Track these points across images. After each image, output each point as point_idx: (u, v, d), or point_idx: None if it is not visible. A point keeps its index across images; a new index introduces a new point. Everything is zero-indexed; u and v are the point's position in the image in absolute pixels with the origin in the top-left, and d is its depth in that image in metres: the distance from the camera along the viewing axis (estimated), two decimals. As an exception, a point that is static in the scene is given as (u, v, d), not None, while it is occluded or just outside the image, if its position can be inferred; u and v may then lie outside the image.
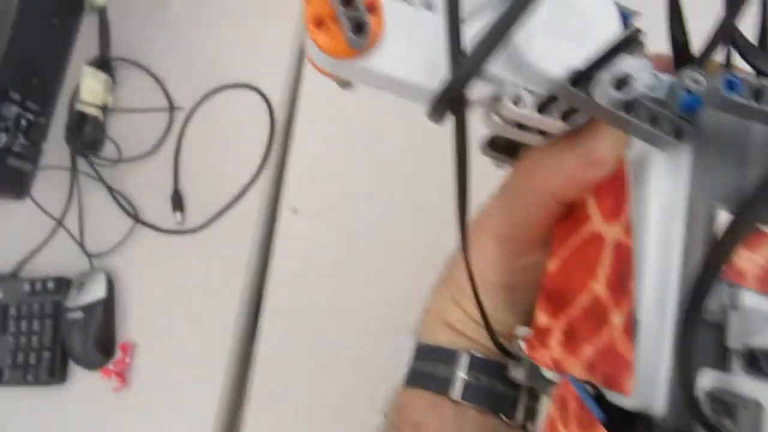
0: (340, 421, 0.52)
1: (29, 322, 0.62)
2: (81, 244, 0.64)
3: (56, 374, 0.61)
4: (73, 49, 0.71)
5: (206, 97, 0.64)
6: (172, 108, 0.65)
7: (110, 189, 0.64)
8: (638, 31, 0.16)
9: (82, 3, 0.71)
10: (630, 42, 0.16)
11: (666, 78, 0.19)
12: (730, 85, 0.16)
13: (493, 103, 0.20)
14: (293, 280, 0.57)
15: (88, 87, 0.65)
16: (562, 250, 0.22)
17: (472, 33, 0.18)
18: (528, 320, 0.23)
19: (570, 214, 0.22)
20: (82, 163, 0.66)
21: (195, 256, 0.60)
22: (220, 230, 0.60)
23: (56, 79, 0.70)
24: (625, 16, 0.20)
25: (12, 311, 0.63)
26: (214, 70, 0.64)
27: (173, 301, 0.60)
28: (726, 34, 0.19)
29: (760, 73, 0.19)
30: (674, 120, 0.18)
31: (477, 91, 0.19)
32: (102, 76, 0.66)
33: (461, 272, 0.22)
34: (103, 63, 0.67)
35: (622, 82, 0.17)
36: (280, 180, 0.61)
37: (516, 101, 0.19)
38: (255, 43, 0.64)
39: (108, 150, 0.66)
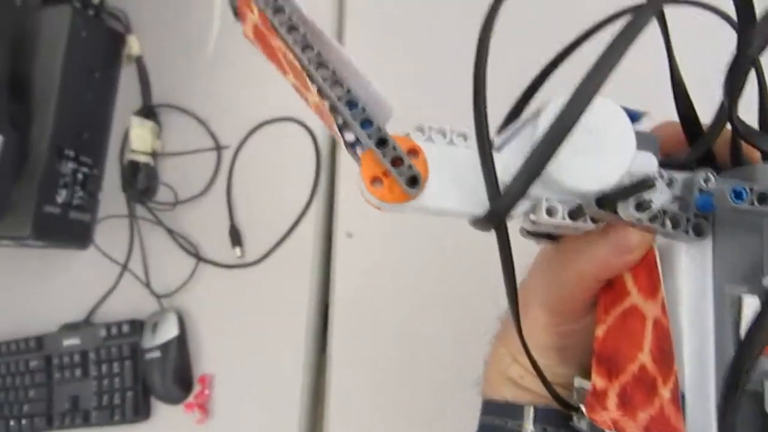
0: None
1: (109, 365, 0.65)
2: (148, 286, 0.67)
3: (141, 412, 0.64)
4: (116, 99, 0.74)
5: (251, 133, 0.67)
6: (218, 147, 0.68)
7: (170, 231, 0.67)
8: (656, 178, 0.18)
9: (119, 55, 0.74)
10: (647, 186, 0.18)
11: (680, 176, 0.22)
12: (737, 194, 0.19)
13: (530, 213, 0.23)
14: (356, 301, 0.60)
15: (137, 136, 0.69)
16: (607, 318, 0.24)
17: (505, 159, 0.22)
18: (584, 371, 0.25)
19: (612, 284, 0.25)
20: (139, 209, 0.69)
21: (258, 287, 0.64)
22: (280, 260, 0.64)
23: (104, 131, 0.74)
24: (634, 116, 0.22)
25: (92, 356, 0.66)
26: (254, 106, 0.67)
27: (243, 331, 0.63)
28: (725, 118, 0.21)
29: (763, 153, 0.21)
30: (693, 220, 0.21)
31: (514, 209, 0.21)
32: (148, 123, 0.69)
33: (516, 333, 0.25)
34: (148, 111, 0.71)
35: (642, 205, 0.19)
36: (331, 206, 0.64)
37: (549, 212, 0.22)
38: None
39: (162, 193, 0.69)
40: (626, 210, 0.19)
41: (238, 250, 0.65)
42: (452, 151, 0.22)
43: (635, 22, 0.17)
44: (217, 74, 0.71)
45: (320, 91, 0.21)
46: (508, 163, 0.22)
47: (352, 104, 0.21)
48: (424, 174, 0.21)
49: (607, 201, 0.20)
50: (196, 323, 0.65)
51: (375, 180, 0.21)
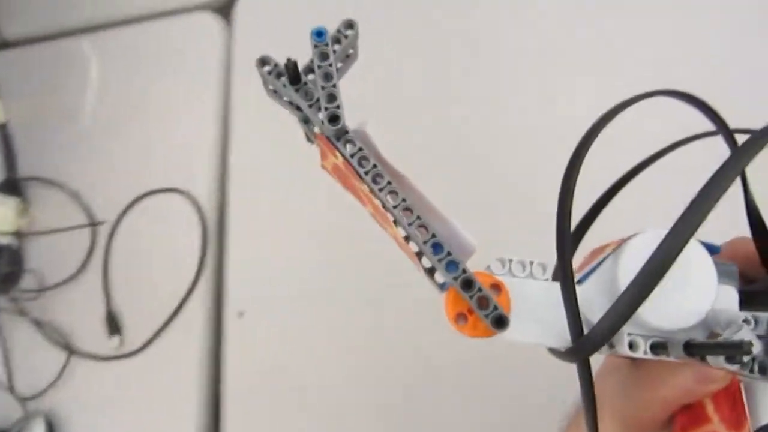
0: None
1: (-36, 486, 0.56)
2: (11, 390, 0.59)
3: None
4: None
5: (129, 206, 0.61)
6: (93, 223, 0.62)
7: (37, 322, 0.59)
8: (751, 344, 0.18)
9: (-21, 123, 0.67)
10: (743, 352, 0.18)
11: (765, 316, 0.22)
12: None
13: (609, 346, 0.23)
14: (251, 387, 0.54)
15: (-2, 215, 0.61)
16: None
17: (585, 292, 0.23)
18: None
19: (690, 404, 0.25)
20: (0, 300, 0.61)
21: (142, 379, 0.57)
22: (165, 347, 0.57)
23: (-40, 210, 0.65)
24: (712, 250, 0.23)
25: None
26: (134, 177, 0.62)
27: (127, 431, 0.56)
28: None
29: None
30: None
31: None
32: (11, 200, 0.62)
33: None
34: (12, 185, 0.63)
35: (734, 359, 0.19)
36: (220, 284, 0.58)
37: (631, 345, 0.22)
38: (175, 144, 0.62)
39: (27, 279, 0.61)
40: (716, 361, 0.19)
41: (116, 338, 0.57)
42: (532, 285, 0.23)
43: (744, 150, 0.17)
44: (93, 144, 0.65)
45: (405, 234, 0.22)
46: (588, 296, 0.23)
47: (437, 247, 0.22)
48: (507, 311, 0.22)
49: (696, 351, 0.20)
50: (69, 427, 0.57)
51: (459, 316, 0.22)
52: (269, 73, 0.24)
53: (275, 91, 0.25)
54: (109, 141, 0.64)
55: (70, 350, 0.59)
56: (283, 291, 0.56)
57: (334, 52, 0.24)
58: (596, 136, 0.22)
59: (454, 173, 0.54)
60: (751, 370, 0.20)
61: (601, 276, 0.23)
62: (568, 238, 0.21)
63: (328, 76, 0.23)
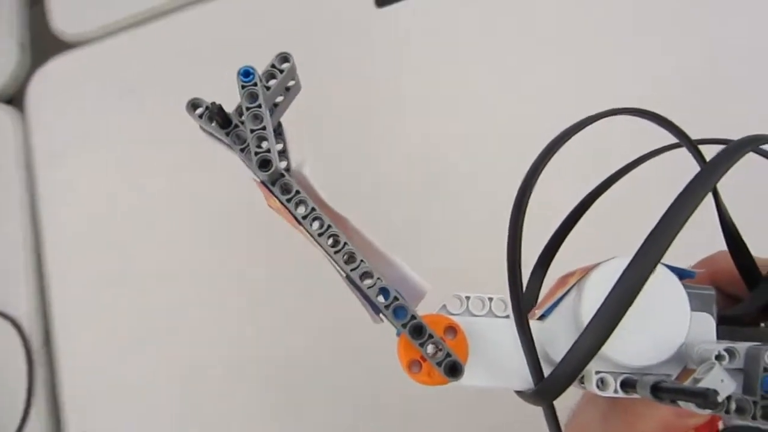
0: None
1: None
2: None
3: None
4: None
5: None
6: None
7: None
8: (716, 394, 0.16)
9: None
10: (713, 405, 0.16)
11: (742, 348, 0.20)
12: None
13: (578, 382, 0.22)
14: None
15: None
16: None
17: (549, 327, 0.22)
18: None
19: None
20: None
21: None
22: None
23: None
24: (685, 275, 0.22)
25: None
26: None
27: None
28: None
29: None
30: (761, 403, 0.18)
31: None
32: None
33: None
34: None
35: (706, 405, 0.17)
36: (56, 408, 0.53)
37: (601, 383, 0.21)
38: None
39: None
40: (687, 406, 0.18)
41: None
42: (493, 324, 0.22)
43: (709, 172, 0.16)
44: None
45: (350, 280, 0.21)
46: (553, 332, 0.22)
47: (384, 292, 0.21)
48: (463, 357, 0.21)
49: (664, 396, 0.18)
50: None
51: (413, 364, 0.21)
52: (200, 116, 0.23)
53: (210, 132, 0.23)
54: None
55: None
56: (126, 402, 0.52)
57: (268, 88, 0.23)
58: (549, 159, 0.21)
59: (407, 197, 0.51)
60: (727, 411, 0.18)
61: (564, 311, 0.22)
62: (518, 276, 0.20)
63: (257, 118, 0.22)
